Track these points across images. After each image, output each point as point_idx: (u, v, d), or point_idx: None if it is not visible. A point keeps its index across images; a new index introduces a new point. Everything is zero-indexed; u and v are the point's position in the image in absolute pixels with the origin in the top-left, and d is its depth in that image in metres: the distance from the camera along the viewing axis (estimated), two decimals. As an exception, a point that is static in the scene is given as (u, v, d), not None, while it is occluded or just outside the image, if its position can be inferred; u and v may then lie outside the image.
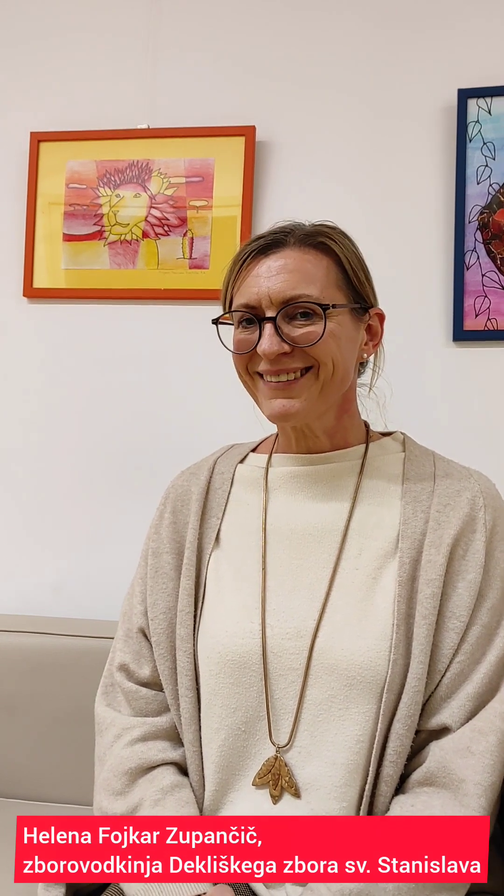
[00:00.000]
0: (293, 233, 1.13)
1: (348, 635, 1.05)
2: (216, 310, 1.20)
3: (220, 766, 1.08)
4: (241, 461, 1.27)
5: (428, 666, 1.03)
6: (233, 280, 1.15)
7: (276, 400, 1.11)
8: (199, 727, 1.11)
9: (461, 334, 1.81)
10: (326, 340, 1.09)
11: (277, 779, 1.03)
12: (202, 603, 1.16)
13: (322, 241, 1.12)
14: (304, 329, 1.09)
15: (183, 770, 1.13)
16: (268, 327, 1.08)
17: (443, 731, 1.03)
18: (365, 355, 1.20)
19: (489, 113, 1.81)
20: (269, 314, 1.09)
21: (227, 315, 1.17)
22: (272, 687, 1.07)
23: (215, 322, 1.18)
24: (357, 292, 1.15)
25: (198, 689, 1.12)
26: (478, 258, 1.81)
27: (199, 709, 1.12)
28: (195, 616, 1.15)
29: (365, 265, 1.17)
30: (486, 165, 1.81)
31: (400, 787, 1.03)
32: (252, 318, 1.11)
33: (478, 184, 1.81)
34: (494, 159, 1.81)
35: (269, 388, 1.12)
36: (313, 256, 1.11)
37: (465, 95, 1.82)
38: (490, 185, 1.80)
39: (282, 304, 1.08)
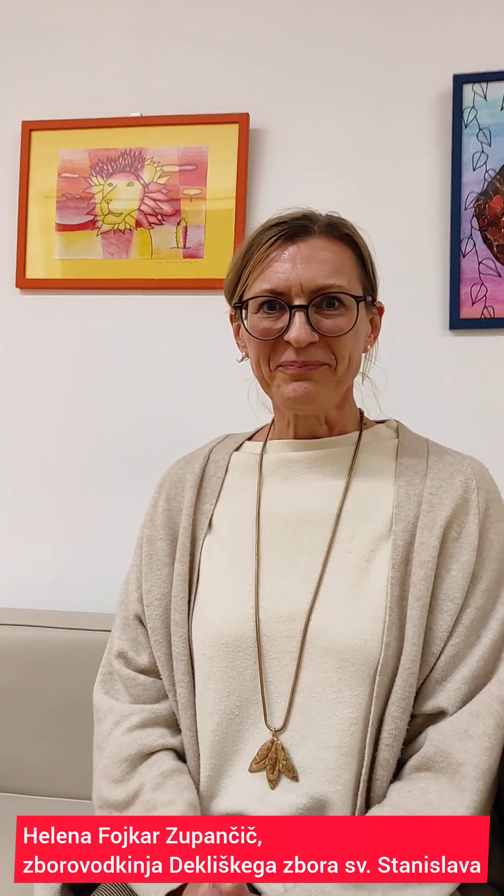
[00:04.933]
0: (316, 221, 1.13)
1: (341, 617, 1.05)
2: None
3: (214, 751, 1.08)
4: (237, 449, 1.28)
5: (422, 649, 1.03)
6: (254, 263, 1.13)
7: (296, 383, 1.11)
8: (196, 712, 1.12)
9: (458, 322, 1.80)
10: (352, 333, 1.11)
11: (275, 763, 1.03)
12: (196, 588, 1.16)
13: (346, 232, 1.14)
14: (333, 320, 1.10)
15: (182, 756, 1.13)
16: (299, 315, 1.08)
17: (439, 715, 1.04)
18: (368, 347, 1.21)
19: (485, 98, 1.79)
20: (300, 302, 1.09)
21: (248, 300, 1.15)
22: (266, 670, 1.07)
23: (238, 307, 1.17)
24: (371, 286, 1.18)
25: (194, 674, 1.13)
26: (474, 245, 1.80)
27: (196, 694, 1.12)
28: (189, 601, 1.16)
29: (374, 261, 1.19)
30: (482, 151, 1.79)
31: (398, 773, 1.03)
32: (277, 303, 1.11)
33: (474, 170, 1.80)
34: (490, 145, 1.79)
35: (288, 374, 1.12)
36: (339, 247, 1.13)
37: (460, 81, 1.80)
38: (486, 171, 1.79)
39: (313, 292, 1.09)
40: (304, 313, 1.08)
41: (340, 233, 1.13)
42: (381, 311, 1.23)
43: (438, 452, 1.18)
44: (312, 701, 1.04)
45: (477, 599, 1.06)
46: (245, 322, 1.16)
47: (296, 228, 1.11)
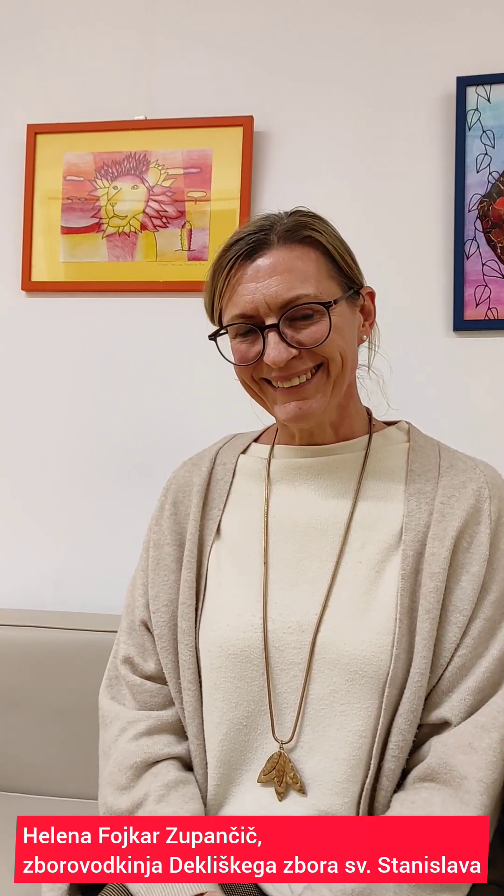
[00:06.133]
0: (273, 230, 1.08)
1: (351, 629, 1.04)
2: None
3: (222, 761, 1.07)
4: (244, 452, 1.26)
5: (431, 660, 1.02)
6: (221, 290, 1.11)
7: (290, 403, 1.09)
8: (203, 721, 1.11)
9: (461, 324, 1.80)
10: (333, 336, 1.06)
11: (282, 776, 1.03)
12: (203, 595, 1.15)
13: (307, 234, 1.08)
14: (308, 329, 1.06)
15: (188, 765, 1.12)
16: (272, 336, 1.06)
17: (443, 726, 1.03)
18: (364, 336, 1.18)
19: (488, 101, 1.79)
20: (270, 321, 1.06)
21: (222, 329, 1.13)
22: (274, 681, 1.06)
23: (213, 337, 1.14)
24: (348, 277, 1.12)
25: (201, 683, 1.12)
26: (478, 247, 1.79)
27: (203, 702, 1.11)
28: (197, 609, 1.14)
29: (348, 246, 1.14)
30: (486, 154, 1.79)
31: (402, 782, 1.02)
32: (251, 327, 1.08)
33: (477, 172, 1.79)
34: (494, 147, 1.79)
35: (281, 393, 1.10)
36: (301, 252, 1.08)
37: (463, 83, 1.80)
38: (490, 173, 1.79)
39: (281, 308, 1.05)
40: (277, 332, 1.05)
41: (301, 236, 1.08)
42: (371, 296, 1.18)
43: (451, 458, 1.16)
44: (321, 713, 1.03)
45: (486, 610, 1.05)
46: (226, 353, 1.14)
47: (252, 245, 1.07)
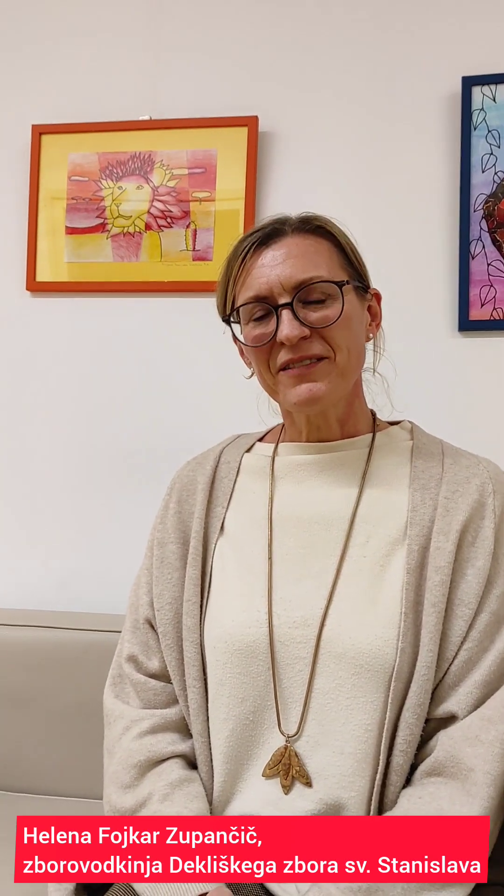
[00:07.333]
0: (288, 222, 1.14)
1: (355, 623, 1.04)
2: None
3: (229, 757, 1.07)
4: (248, 450, 1.27)
5: (437, 654, 1.02)
6: (235, 276, 1.14)
7: (300, 385, 1.11)
8: (208, 718, 1.11)
9: (467, 324, 1.79)
10: (343, 321, 1.10)
11: (288, 769, 1.03)
12: (208, 592, 1.15)
13: (319, 225, 1.14)
14: (320, 312, 1.09)
15: (192, 763, 1.12)
16: (285, 313, 1.08)
17: (450, 720, 1.03)
18: (370, 335, 1.20)
19: (494, 100, 1.79)
20: (284, 301, 1.09)
21: (235, 312, 1.16)
22: (280, 676, 1.06)
23: (226, 321, 1.17)
24: (357, 272, 1.16)
25: (205, 680, 1.12)
26: (483, 247, 1.79)
27: (207, 699, 1.11)
28: (201, 606, 1.15)
29: (356, 247, 1.18)
30: (491, 153, 1.79)
31: (410, 777, 1.02)
32: (265, 309, 1.11)
33: (482, 172, 1.79)
34: (500, 147, 1.79)
35: (290, 376, 1.11)
36: (314, 241, 1.12)
37: (469, 83, 1.80)
38: (495, 173, 1.79)
39: (294, 288, 1.09)
40: (290, 310, 1.08)
41: (313, 226, 1.13)
42: (377, 297, 1.22)
43: (454, 455, 1.17)
44: (327, 707, 1.03)
45: (492, 604, 1.05)
46: (240, 337, 1.17)
47: (268, 233, 1.13)
